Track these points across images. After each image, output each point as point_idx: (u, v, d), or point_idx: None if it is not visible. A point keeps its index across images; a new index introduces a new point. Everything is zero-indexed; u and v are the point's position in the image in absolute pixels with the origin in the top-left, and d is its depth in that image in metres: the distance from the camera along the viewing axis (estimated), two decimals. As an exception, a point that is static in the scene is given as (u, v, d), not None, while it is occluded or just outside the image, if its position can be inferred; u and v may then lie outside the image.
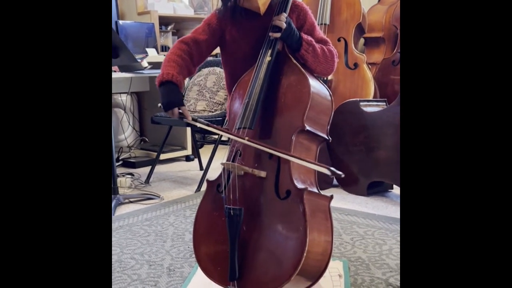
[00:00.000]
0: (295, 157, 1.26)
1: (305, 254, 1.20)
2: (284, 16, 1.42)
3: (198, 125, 1.42)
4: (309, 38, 1.45)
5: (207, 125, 1.40)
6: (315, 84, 1.38)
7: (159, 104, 1.46)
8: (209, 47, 1.55)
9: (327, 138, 1.41)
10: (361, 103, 2.63)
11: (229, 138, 1.45)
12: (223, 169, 1.41)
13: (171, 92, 1.42)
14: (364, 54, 3.15)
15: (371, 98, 2.96)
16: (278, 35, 1.41)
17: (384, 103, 2.70)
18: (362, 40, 3.63)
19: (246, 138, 1.30)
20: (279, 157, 1.31)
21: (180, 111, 1.42)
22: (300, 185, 1.27)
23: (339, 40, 3.11)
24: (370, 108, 2.62)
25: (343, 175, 1.18)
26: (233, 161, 1.39)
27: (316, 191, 1.35)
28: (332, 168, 1.18)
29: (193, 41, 1.51)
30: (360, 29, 3.20)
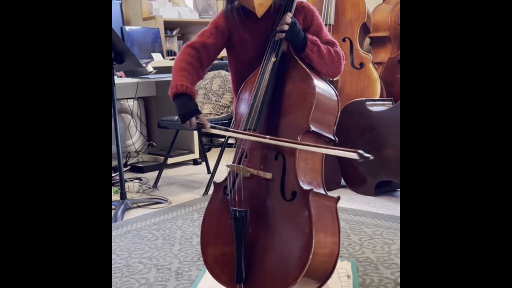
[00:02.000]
0: (319, 147, 1.26)
1: (311, 256, 1.19)
2: (288, 16, 1.41)
3: (217, 132, 1.40)
4: (314, 38, 1.44)
5: (225, 130, 1.38)
6: (320, 84, 1.37)
7: (176, 117, 1.45)
8: (217, 49, 1.54)
9: (334, 138, 1.40)
10: (367, 103, 2.62)
11: (235, 141, 1.44)
12: (229, 171, 1.40)
13: (186, 103, 1.40)
14: (369, 54, 3.14)
15: (377, 98, 2.95)
16: (282, 35, 1.40)
17: (391, 102, 2.69)
18: (367, 40, 3.62)
19: (268, 136, 1.29)
20: (284, 158, 1.31)
21: (198, 120, 1.40)
22: (306, 186, 1.27)
23: (344, 40, 3.10)
24: (377, 108, 2.61)
25: (371, 157, 1.14)
26: (238, 163, 1.39)
27: (323, 192, 1.34)
28: (360, 151, 1.15)
29: (202, 45, 1.49)
30: (365, 29, 3.19)
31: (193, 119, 1.39)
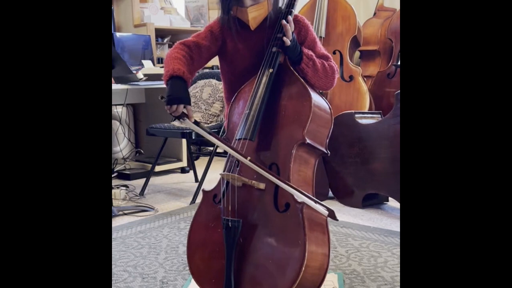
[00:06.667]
0: (296, 189, 1.23)
1: (303, 269, 1.18)
2: (289, 32, 1.40)
3: (197, 130, 1.33)
4: (310, 52, 1.45)
5: (209, 133, 1.31)
6: (316, 98, 1.38)
7: (160, 96, 1.34)
8: (209, 53, 1.53)
9: (326, 151, 1.41)
10: (356, 115, 2.63)
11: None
12: (221, 179, 1.39)
13: (180, 88, 1.35)
14: (359, 67, 3.17)
15: (366, 110, 2.97)
16: (289, 42, 1.38)
17: (379, 115, 2.71)
18: (357, 53, 3.65)
19: (248, 158, 1.25)
20: (278, 169, 1.31)
21: (185, 110, 1.34)
22: (299, 198, 1.26)
23: (334, 52, 3.12)
24: (365, 120, 2.63)
25: (338, 220, 1.24)
26: (231, 171, 1.38)
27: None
28: (331, 210, 1.20)
29: (195, 45, 1.48)
30: (355, 42, 3.22)
31: (181, 106, 1.32)
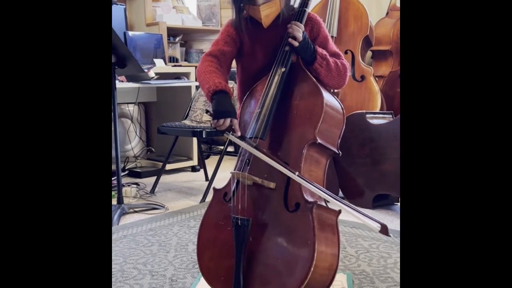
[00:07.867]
0: (332, 197, 1.20)
1: (312, 269, 1.18)
2: (299, 33, 1.40)
3: (243, 145, 1.32)
4: (324, 52, 1.44)
5: (256, 148, 1.29)
6: (328, 97, 1.38)
7: (205, 110, 1.36)
8: (232, 57, 1.54)
9: (337, 152, 1.40)
10: (367, 115, 2.62)
11: (236, 149, 1.43)
12: (232, 178, 1.40)
13: (226, 101, 1.36)
14: (371, 67, 3.15)
15: (377, 111, 2.96)
16: (296, 43, 1.39)
17: (391, 116, 2.69)
18: (369, 53, 3.63)
19: (297, 173, 1.23)
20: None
21: (232, 124, 1.35)
22: (309, 199, 1.26)
23: (346, 52, 3.11)
24: (376, 121, 2.61)
25: (390, 236, 1.12)
26: (242, 170, 1.38)
27: (324, 204, 1.34)
28: (385, 224, 1.12)
29: (220, 53, 1.49)
30: (367, 42, 3.20)
31: (227, 120, 1.34)
